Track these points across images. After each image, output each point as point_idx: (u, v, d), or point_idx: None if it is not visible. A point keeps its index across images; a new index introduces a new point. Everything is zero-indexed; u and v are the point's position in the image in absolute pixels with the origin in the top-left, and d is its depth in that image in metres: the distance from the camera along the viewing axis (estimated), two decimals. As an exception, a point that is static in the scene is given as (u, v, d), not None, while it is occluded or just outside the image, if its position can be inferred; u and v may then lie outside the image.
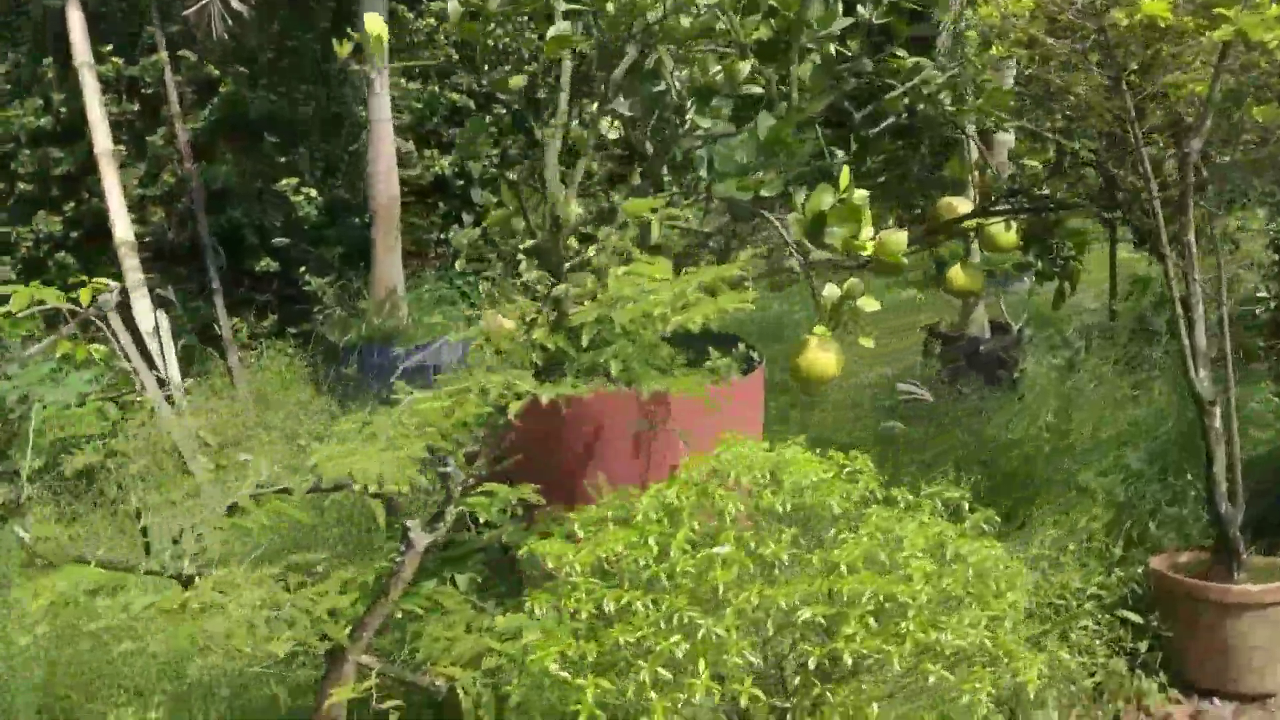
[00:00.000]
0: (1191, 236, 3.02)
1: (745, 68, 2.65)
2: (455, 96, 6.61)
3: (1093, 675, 3.16)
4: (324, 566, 2.54)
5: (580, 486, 3.28)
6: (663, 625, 1.62)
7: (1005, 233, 3.87)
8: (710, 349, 3.55)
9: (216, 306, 5.70)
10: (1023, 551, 3.51)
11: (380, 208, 5.79)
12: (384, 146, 5.70)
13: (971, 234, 4.01)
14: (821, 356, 2.61)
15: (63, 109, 5.87)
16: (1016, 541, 3.62)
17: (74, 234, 5.96)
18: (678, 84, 2.52)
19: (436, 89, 6.51)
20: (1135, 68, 2.95)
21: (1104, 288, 6.23)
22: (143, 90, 6.04)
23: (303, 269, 6.17)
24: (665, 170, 2.79)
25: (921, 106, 3.79)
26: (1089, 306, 6.05)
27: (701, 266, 2.28)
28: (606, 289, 2.17)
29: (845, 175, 2.54)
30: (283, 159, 6.21)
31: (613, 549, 1.72)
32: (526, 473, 3.79)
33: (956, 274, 3.97)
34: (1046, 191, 3.94)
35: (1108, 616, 3.34)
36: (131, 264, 5.38)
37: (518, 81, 2.83)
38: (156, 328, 5.30)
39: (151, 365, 4.55)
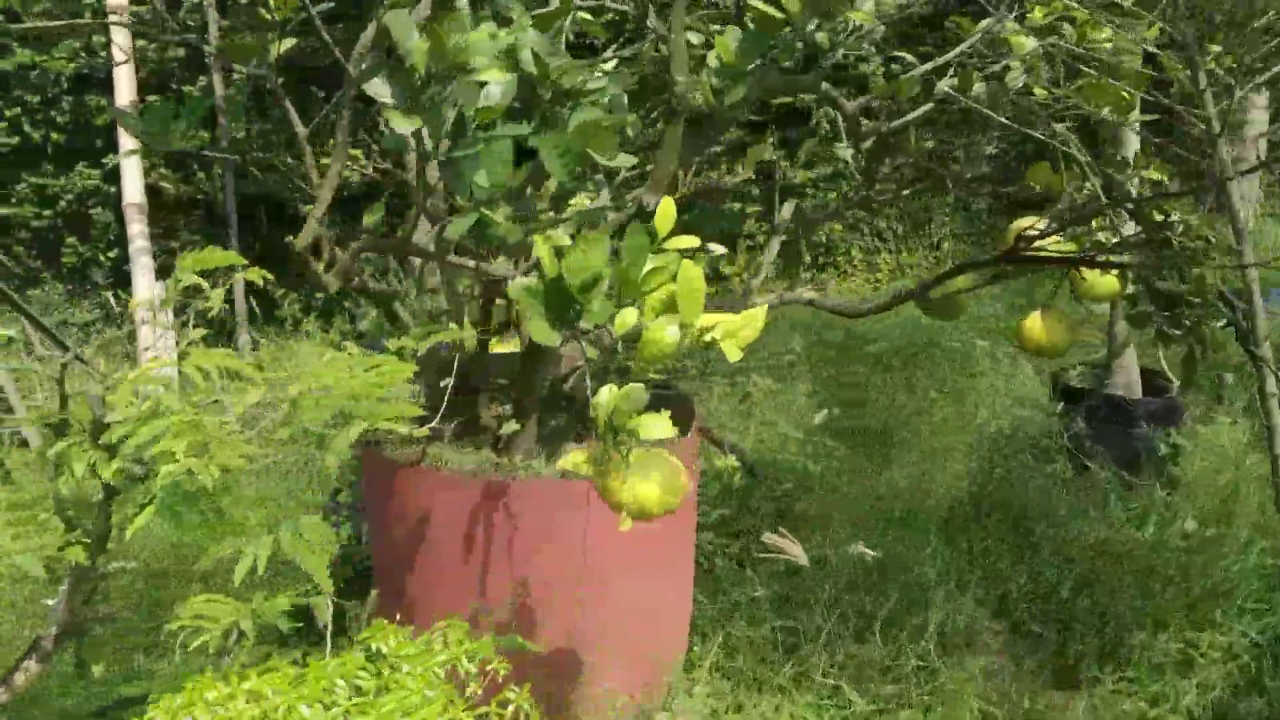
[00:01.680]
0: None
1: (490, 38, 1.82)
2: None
3: None
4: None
5: (411, 586, 2.59)
6: None
7: (1103, 274, 2.86)
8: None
9: (233, 280, 5.32)
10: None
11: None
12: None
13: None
14: (641, 487, 1.78)
15: (103, 53, 5.63)
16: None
17: (113, 188, 5.72)
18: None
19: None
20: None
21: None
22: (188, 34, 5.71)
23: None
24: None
25: (976, 89, 2.81)
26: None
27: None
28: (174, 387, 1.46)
29: (665, 211, 1.69)
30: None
31: None
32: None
33: (1034, 325, 2.97)
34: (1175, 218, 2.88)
35: None
36: (137, 229, 5.07)
37: (288, 43, 2.13)
38: (154, 301, 4.98)
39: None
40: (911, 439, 4.27)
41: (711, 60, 2.27)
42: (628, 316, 1.56)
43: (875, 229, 7.43)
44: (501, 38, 2.07)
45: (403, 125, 1.70)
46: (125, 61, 5.17)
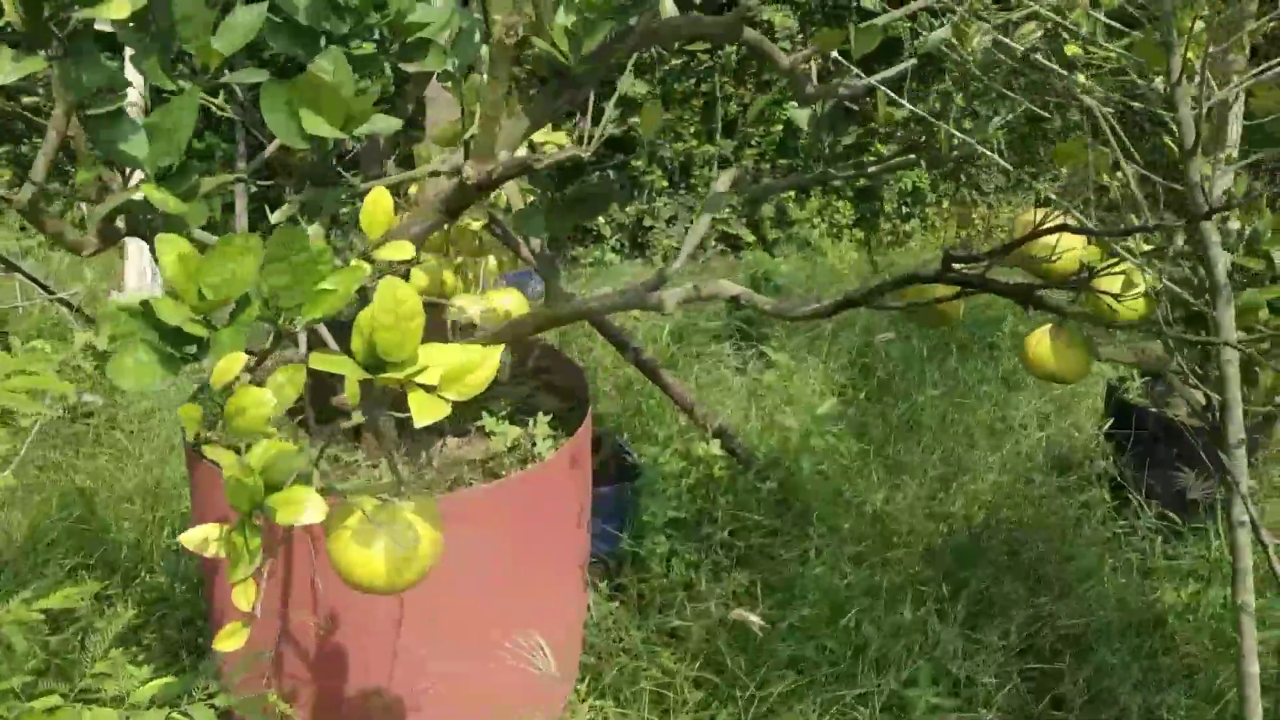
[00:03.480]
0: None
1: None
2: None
3: None
4: None
5: (215, 608, 2.25)
6: None
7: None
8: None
9: (236, 191, 5.02)
10: None
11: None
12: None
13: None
14: (358, 559, 1.38)
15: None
16: None
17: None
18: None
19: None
20: None
21: None
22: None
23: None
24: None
25: (975, 44, 2.28)
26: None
27: None
28: None
29: (376, 203, 1.23)
30: None
31: None
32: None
33: (1040, 344, 2.41)
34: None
35: None
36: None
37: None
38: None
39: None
40: (935, 444, 3.74)
41: (577, -7, 1.79)
42: (228, 365, 1.13)
43: (974, 180, 6.75)
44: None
45: (6, 72, 1.29)
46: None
